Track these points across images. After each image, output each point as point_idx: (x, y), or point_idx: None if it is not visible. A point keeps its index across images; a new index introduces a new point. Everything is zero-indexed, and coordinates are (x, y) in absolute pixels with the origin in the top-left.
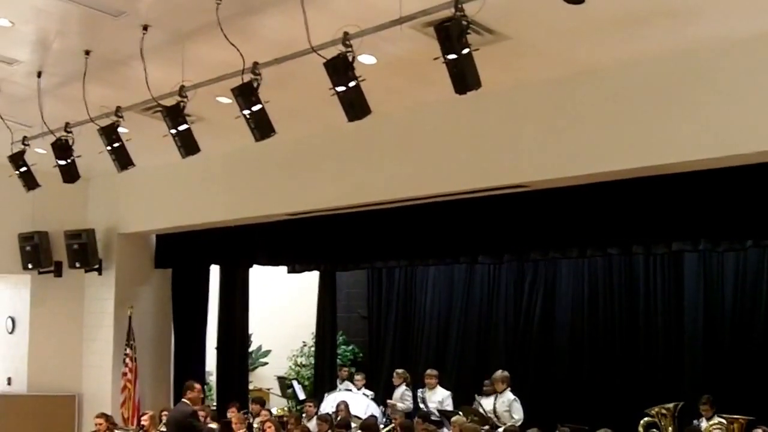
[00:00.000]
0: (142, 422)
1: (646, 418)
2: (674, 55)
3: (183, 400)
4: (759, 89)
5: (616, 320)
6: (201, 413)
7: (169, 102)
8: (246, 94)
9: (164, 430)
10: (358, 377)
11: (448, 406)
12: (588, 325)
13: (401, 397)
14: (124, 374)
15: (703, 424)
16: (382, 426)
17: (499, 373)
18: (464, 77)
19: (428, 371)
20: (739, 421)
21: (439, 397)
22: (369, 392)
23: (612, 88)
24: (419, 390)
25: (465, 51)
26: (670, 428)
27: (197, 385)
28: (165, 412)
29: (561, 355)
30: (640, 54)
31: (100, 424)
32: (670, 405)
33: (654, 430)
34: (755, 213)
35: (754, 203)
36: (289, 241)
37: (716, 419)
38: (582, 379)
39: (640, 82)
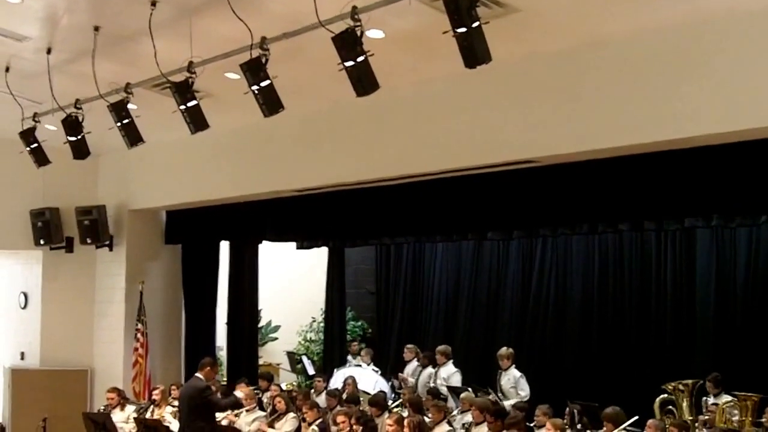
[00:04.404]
0: (154, 396)
1: (663, 395)
2: (686, 27)
3: (196, 375)
4: None
5: (626, 297)
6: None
7: (178, 78)
8: (254, 69)
9: (177, 404)
10: (363, 353)
11: (456, 383)
12: (598, 302)
13: (413, 372)
14: (136, 349)
15: (711, 400)
16: (390, 401)
17: (504, 349)
18: (474, 51)
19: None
20: (752, 399)
21: (444, 374)
22: (376, 368)
23: (623, 60)
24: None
25: (475, 24)
26: (684, 403)
27: (214, 363)
28: (174, 386)
29: (571, 332)
30: (652, 25)
31: (112, 398)
32: (689, 381)
33: (670, 406)
34: None
35: None
36: (297, 217)
37: (724, 397)
38: (592, 357)
39: (652, 54)
